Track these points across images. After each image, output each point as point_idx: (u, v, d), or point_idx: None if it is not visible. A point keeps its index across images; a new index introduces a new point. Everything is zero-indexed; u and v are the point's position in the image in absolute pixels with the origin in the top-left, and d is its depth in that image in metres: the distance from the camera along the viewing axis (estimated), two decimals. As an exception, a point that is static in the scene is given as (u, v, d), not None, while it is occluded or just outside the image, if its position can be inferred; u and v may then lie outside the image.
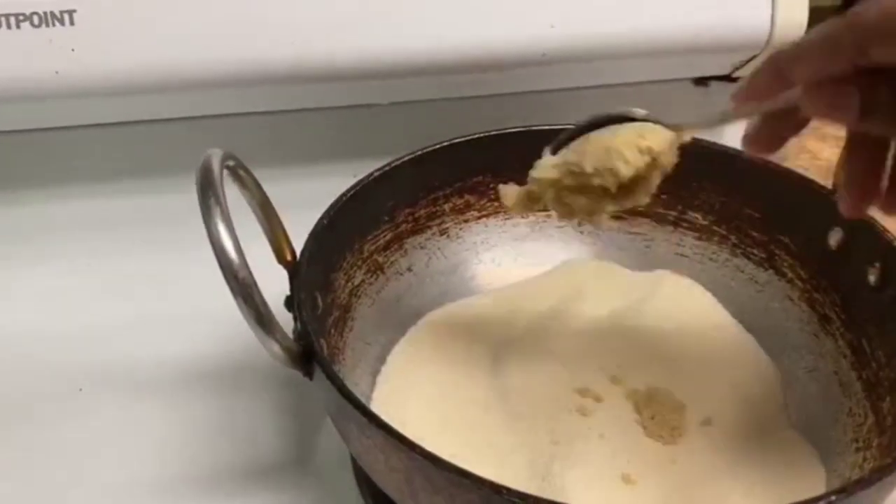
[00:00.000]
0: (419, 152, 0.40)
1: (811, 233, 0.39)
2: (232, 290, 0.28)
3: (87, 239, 0.46)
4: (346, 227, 0.37)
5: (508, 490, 0.26)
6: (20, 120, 0.42)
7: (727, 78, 0.49)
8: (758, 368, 0.39)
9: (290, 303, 0.33)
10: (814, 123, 0.68)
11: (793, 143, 0.64)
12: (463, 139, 0.41)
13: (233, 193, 0.31)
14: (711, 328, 0.41)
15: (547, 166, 0.34)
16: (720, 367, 0.39)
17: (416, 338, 0.40)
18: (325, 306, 0.35)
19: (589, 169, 0.32)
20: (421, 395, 0.37)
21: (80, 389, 0.41)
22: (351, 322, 0.37)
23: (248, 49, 0.40)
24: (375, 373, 0.38)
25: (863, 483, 0.27)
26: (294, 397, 0.41)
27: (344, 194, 0.37)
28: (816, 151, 0.62)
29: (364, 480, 0.36)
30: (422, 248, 0.42)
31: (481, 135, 0.41)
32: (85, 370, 0.42)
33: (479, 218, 0.43)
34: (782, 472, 0.35)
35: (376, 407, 0.36)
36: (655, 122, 0.34)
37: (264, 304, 0.28)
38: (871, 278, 0.36)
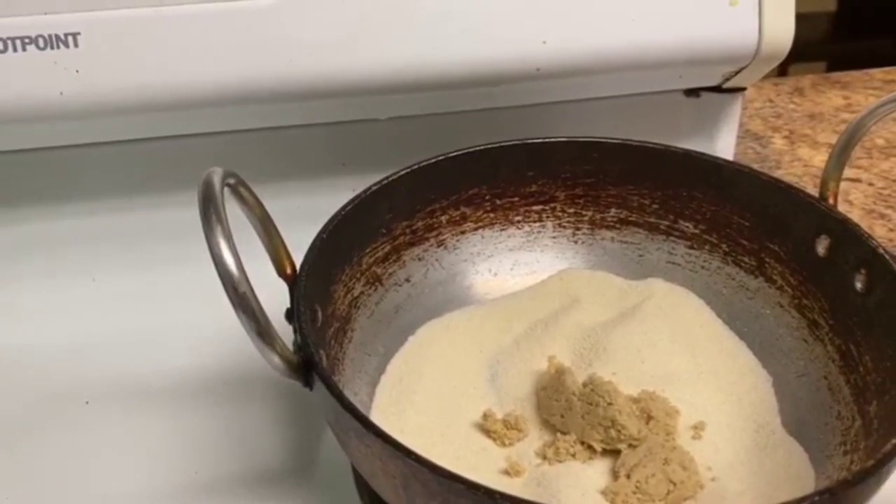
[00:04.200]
0: (416, 166, 0.41)
1: (799, 240, 0.40)
2: (233, 303, 0.29)
3: (90, 254, 0.47)
4: (344, 240, 0.38)
5: (502, 495, 0.27)
6: (26, 139, 0.43)
7: (717, 89, 0.50)
8: (750, 373, 0.40)
9: (290, 315, 0.34)
10: (805, 131, 0.69)
11: (786, 152, 0.65)
12: (458, 153, 0.42)
13: (233, 209, 0.32)
14: (704, 335, 0.41)
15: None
16: (713, 372, 0.40)
17: (414, 347, 0.41)
18: (325, 318, 0.36)
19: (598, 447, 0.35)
20: (419, 404, 0.38)
21: (87, 402, 0.42)
22: (350, 333, 0.38)
23: (247, 68, 0.41)
24: (375, 382, 0.39)
25: (847, 484, 0.27)
26: (295, 407, 0.41)
27: (342, 208, 0.38)
28: (808, 159, 0.62)
29: (364, 489, 0.37)
30: (419, 259, 0.43)
31: (477, 148, 0.42)
32: (90, 383, 0.43)
33: (476, 229, 0.44)
34: (773, 474, 0.35)
35: (375, 416, 0.37)
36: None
37: (264, 316, 0.29)
38: (858, 284, 0.37)
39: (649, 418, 0.36)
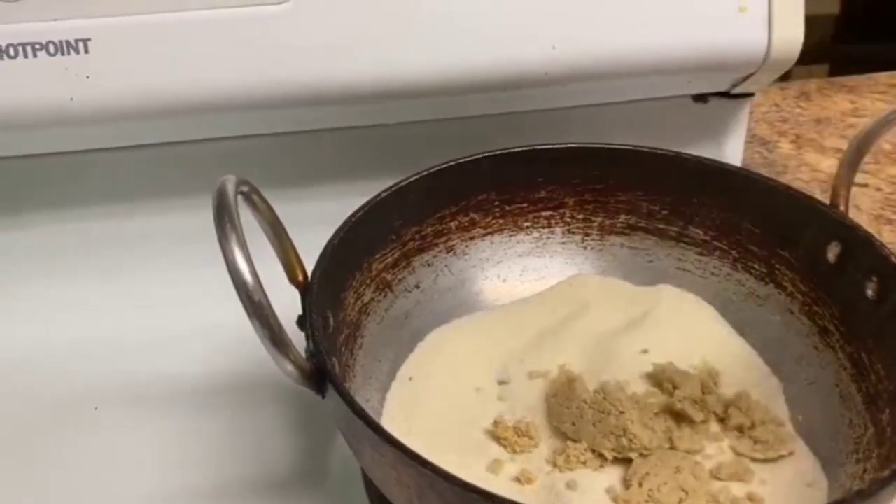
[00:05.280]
0: (425, 172, 0.41)
1: (810, 247, 0.40)
2: (247, 311, 0.29)
3: (101, 259, 0.47)
4: (354, 246, 0.38)
5: (517, 504, 0.26)
6: (36, 144, 0.43)
7: (726, 94, 0.50)
8: (760, 381, 0.40)
9: (302, 322, 0.34)
10: (812, 135, 0.69)
11: (793, 156, 0.65)
12: (468, 158, 0.42)
13: (245, 215, 0.32)
14: (713, 341, 0.41)
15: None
16: (723, 379, 0.40)
17: (424, 354, 0.41)
18: (336, 325, 0.36)
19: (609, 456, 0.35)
20: (430, 411, 0.38)
21: (95, 408, 0.42)
22: (361, 339, 0.38)
23: (257, 73, 0.41)
24: (385, 388, 0.39)
25: (862, 495, 0.27)
26: (306, 413, 0.41)
27: (352, 215, 0.38)
28: (816, 164, 0.62)
29: (375, 496, 0.37)
30: (429, 265, 0.43)
31: (486, 154, 0.42)
32: (99, 388, 0.43)
33: (485, 235, 0.44)
34: (786, 483, 0.35)
35: (385, 423, 0.37)
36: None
37: (278, 324, 0.29)
38: (869, 292, 0.37)
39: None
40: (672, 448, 0.35)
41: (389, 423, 0.37)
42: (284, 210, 0.35)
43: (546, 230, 0.45)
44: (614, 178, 0.44)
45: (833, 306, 0.39)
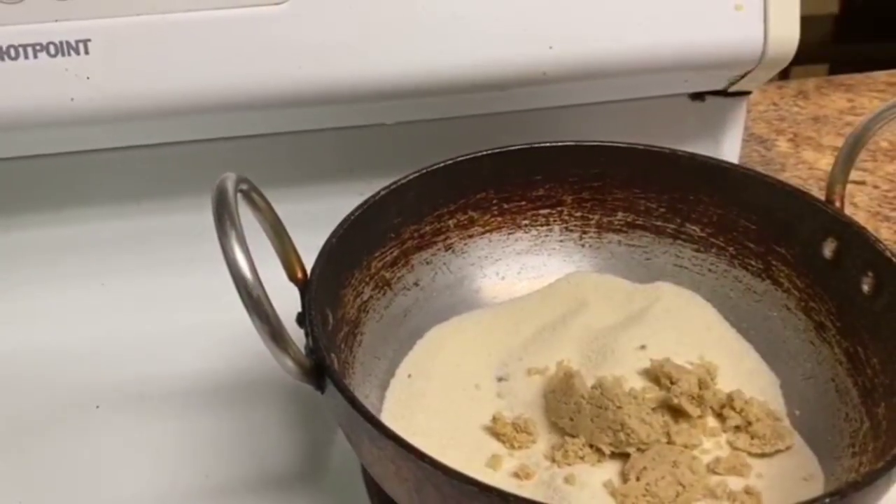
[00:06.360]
0: (424, 170, 0.41)
1: (806, 243, 0.40)
2: (247, 307, 0.29)
3: (101, 259, 0.47)
4: (353, 244, 0.38)
5: (516, 497, 0.27)
6: (37, 145, 0.44)
7: (723, 92, 0.50)
8: (757, 376, 0.40)
9: (301, 319, 0.34)
10: (809, 134, 0.69)
11: (790, 155, 0.65)
12: (466, 157, 0.42)
13: (245, 214, 0.32)
14: (711, 337, 0.42)
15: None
16: (720, 375, 0.40)
17: (423, 351, 0.41)
18: (336, 322, 0.36)
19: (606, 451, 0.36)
20: (429, 407, 0.38)
21: (97, 406, 0.42)
22: (360, 336, 0.38)
23: (257, 73, 0.41)
24: (384, 385, 0.39)
25: (856, 486, 0.28)
26: (305, 410, 0.42)
27: (352, 213, 0.38)
28: (813, 162, 0.63)
29: (375, 492, 0.37)
30: (428, 263, 0.43)
31: (484, 152, 0.42)
32: (101, 387, 0.43)
33: (483, 233, 0.44)
34: (783, 477, 0.35)
35: (386, 418, 0.37)
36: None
37: (277, 320, 0.30)
38: (865, 287, 0.37)
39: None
40: (669, 443, 0.36)
41: (389, 420, 0.37)
42: (284, 209, 0.36)
43: (544, 228, 0.45)
44: (611, 175, 0.44)
45: (829, 302, 0.39)
